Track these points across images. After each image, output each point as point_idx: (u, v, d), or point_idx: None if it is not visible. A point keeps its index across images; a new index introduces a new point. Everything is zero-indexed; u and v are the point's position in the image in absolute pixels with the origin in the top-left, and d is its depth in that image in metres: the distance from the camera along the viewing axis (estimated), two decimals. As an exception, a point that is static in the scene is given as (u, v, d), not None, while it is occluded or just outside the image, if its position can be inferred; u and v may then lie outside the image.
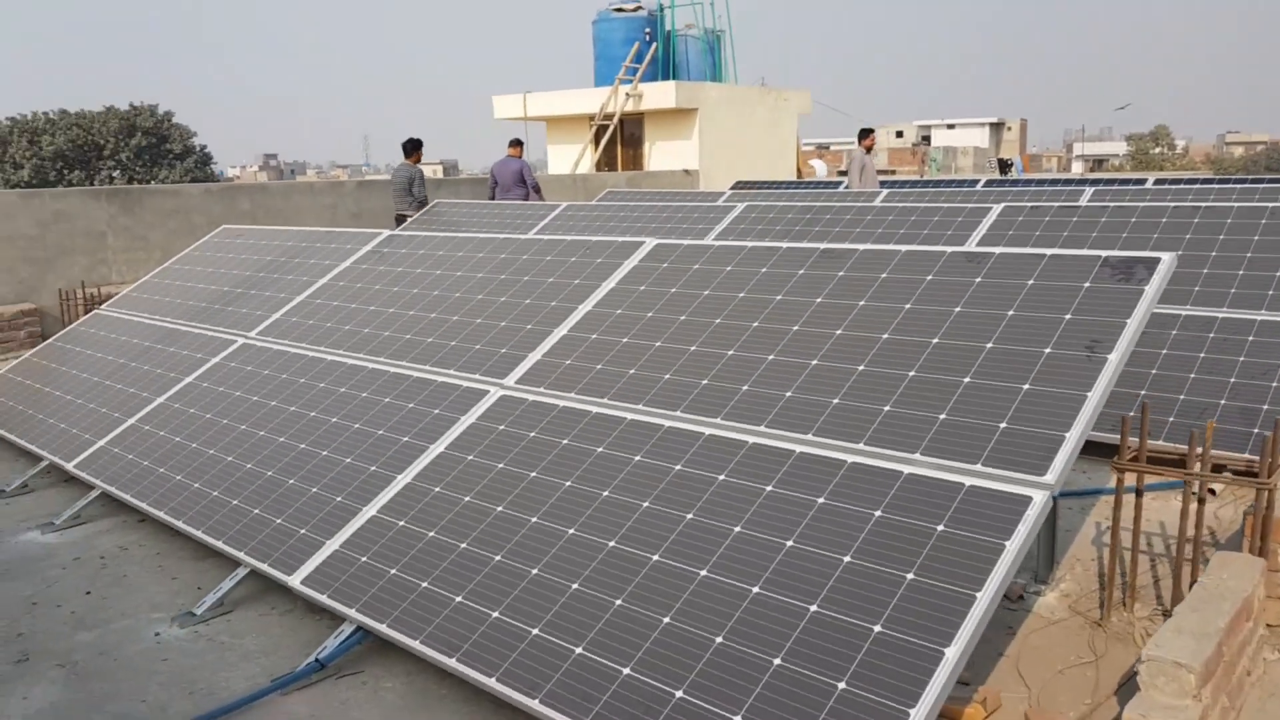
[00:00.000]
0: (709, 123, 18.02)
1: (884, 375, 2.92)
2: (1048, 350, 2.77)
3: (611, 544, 2.76)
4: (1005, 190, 10.16)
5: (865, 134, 12.66)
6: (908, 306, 3.16)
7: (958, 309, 3.06)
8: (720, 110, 18.29)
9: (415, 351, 4.09)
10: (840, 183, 13.17)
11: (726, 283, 3.66)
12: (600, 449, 3.15)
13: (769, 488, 2.73)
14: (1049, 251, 3.16)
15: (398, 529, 3.17)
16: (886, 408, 2.82)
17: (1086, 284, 2.95)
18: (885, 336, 3.08)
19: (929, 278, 3.25)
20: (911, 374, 2.90)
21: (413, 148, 10.39)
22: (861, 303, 3.26)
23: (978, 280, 3.16)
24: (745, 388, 3.12)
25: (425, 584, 2.90)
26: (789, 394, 3.02)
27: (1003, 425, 2.61)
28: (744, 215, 7.76)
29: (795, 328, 3.27)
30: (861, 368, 3.00)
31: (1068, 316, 2.86)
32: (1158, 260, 2.94)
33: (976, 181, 12.32)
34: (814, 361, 3.10)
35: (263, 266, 5.69)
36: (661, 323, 3.57)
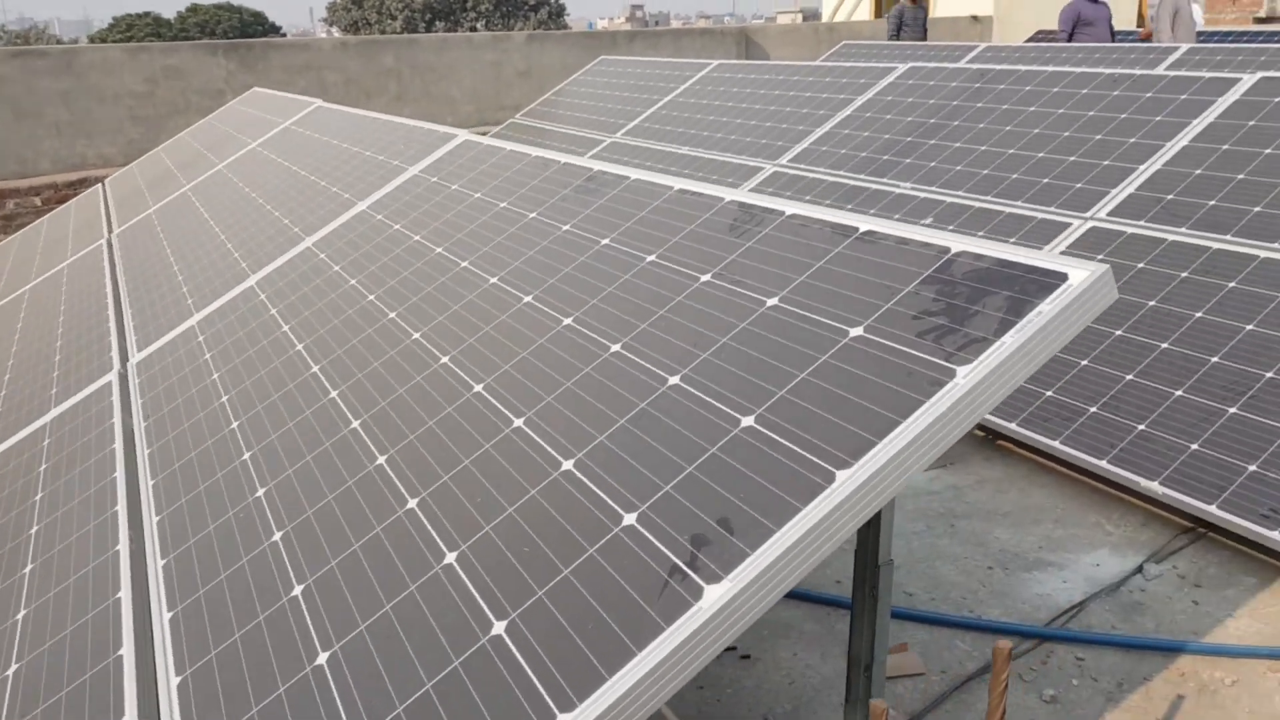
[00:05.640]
0: (1017, -46, 14.55)
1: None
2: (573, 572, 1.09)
3: None
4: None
5: (1185, -32, 9.37)
6: (534, 345, 1.52)
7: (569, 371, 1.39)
8: (1036, -63, 14.68)
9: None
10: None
11: (451, 224, 2.14)
12: (62, 514, 1.92)
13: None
14: (867, 225, 1.35)
15: None
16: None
17: (857, 330, 1.16)
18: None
19: (649, 259, 1.56)
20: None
21: None
22: (526, 297, 1.65)
23: (703, 279, 1.43)
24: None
25: None
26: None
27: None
28: (896, 84, 5.66)
29: (389, 355, 1.74)
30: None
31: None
32: (1058, 280, 1.07)
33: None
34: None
35: (214, 142, 4.84)
36: (304, 302, 2.16)
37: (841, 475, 0.98)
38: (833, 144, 5.39)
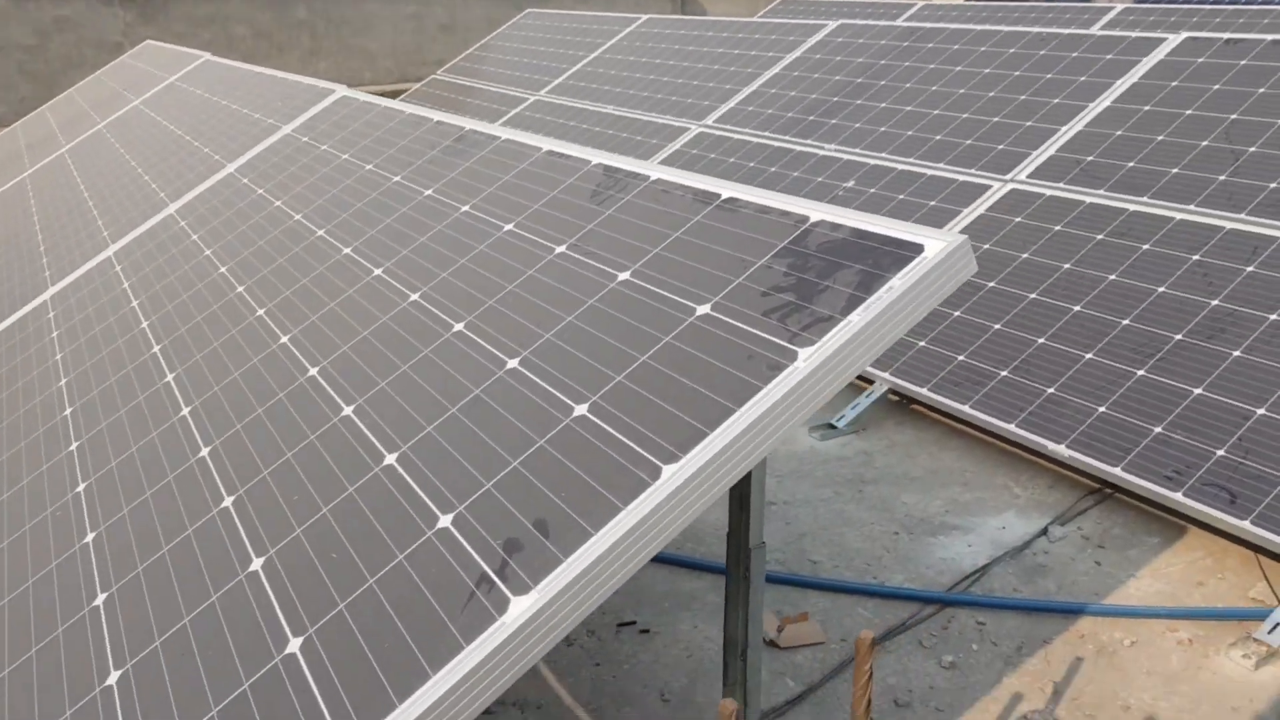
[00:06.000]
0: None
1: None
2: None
3: None
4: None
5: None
6: (377, 324, 1.41)
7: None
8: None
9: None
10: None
11: (314, 189, 2.00)
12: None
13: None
14: (729, 192, 1.25)
15: None
16: None
17: (704, 308, 1.07)
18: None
19: (506, 229, 1.45)
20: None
21: None
22: (339, 299, 1.53)
23: (558, 251, 1.33)
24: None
25: None
26: None
27: None
28: (825, 42, 5.55)
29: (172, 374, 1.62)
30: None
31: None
32: (913, 252, 0.99)
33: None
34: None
35: (100, 100, 4.58)
36: (156, 275, 2.01)
37: (668, 470, 0.89)
38: (759, 104, 5.28)
